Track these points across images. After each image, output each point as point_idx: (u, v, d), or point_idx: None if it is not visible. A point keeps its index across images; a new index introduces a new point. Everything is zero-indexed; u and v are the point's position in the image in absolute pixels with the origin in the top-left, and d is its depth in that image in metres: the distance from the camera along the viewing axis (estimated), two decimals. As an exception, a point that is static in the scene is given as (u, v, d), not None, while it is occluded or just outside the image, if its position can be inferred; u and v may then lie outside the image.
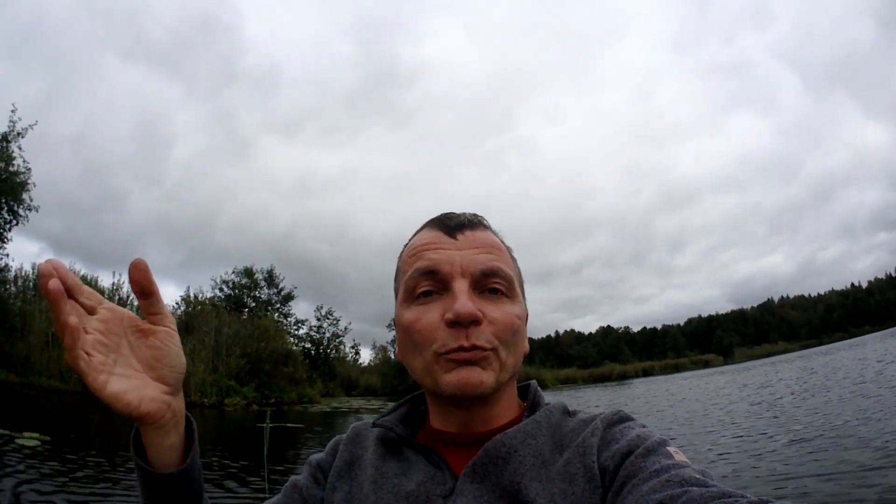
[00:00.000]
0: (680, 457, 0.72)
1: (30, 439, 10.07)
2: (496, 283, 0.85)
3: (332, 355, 45.40)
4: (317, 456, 0.99)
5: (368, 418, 1.01)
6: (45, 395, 19.09)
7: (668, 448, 0.74)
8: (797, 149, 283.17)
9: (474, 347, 0.79)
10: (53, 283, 0.64)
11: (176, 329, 0.79)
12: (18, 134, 22.06)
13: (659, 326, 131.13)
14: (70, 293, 0.68)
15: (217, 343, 27.96)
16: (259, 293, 43.81)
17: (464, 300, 0.80)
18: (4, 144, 21.78)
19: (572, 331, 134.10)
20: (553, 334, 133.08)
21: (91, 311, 0.72)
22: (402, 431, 0.91)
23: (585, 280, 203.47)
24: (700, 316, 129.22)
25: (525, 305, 0.92)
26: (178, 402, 0.79)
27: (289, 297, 45.26)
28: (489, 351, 0.81)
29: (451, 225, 0.89)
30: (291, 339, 41.70)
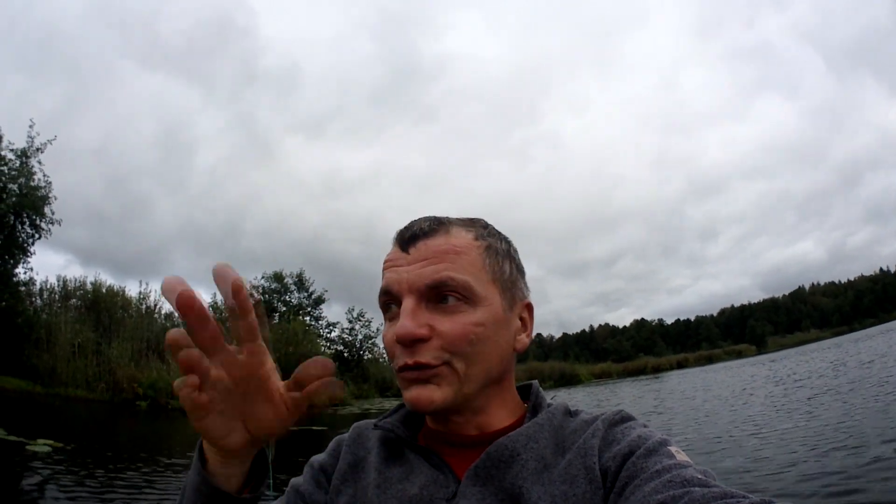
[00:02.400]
0: (682, 456, 0.71)
1: (43, 446, 9.47)
2: (448, 292, 0.81)
3: (365, 357, 43.80)
4: (318, 457, 0.95)
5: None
6: (71, 404, 18.65)
7: (670, 448, 0.72)
8: (823, 132, 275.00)
9: (417, 364, 0.78)
10: (175, 335, 0.61)
11: (291, 420, 0.70)
12: (38, 149, 21.83)
13: (692, 318, 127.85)
14: (237, 312, 0.63)
15: (245, 348, 27.04)
16: (289, 297, 43.08)
17: (404, 320, 0.79)
18: (24, 160, 21.59)
19: (607, 325, 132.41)
20: (588, 329, 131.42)
21: (240, 342, 0.66)
22: (403, 433, 0.89)
23: (618, 273, 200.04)
24: (733, 306, 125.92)
25: (504, 301, 0.86)
26: (257, 448, 0.74)
27: (320, 301, 44.35)
28: (441, 367, 0.79)
29: (405, 238, 0.86)
30: (323, 343, 41.04)
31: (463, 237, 0.86)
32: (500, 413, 0.87)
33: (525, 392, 0.94)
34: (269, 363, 0.68)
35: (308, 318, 41.91)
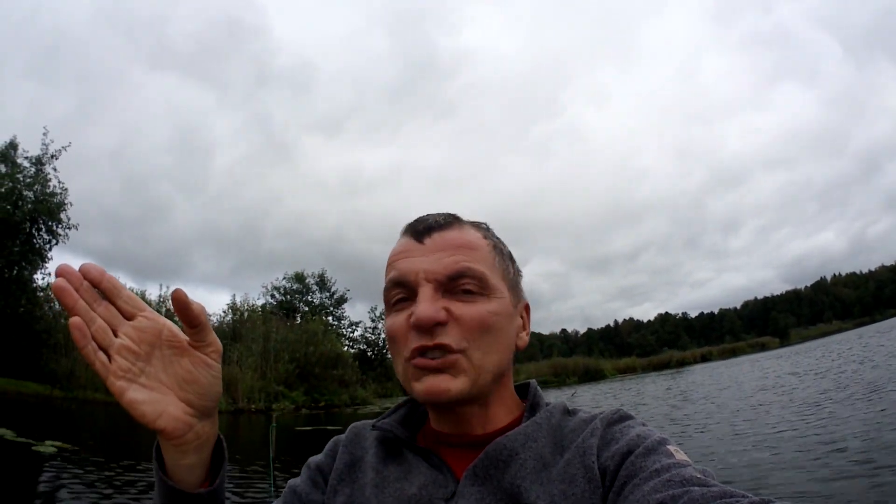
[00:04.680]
0: (680, 455, 0.69)
1: (49, 447, 9.52)
2: (465, 283, 0.79)
3: (387, 356, 43.15)
4: (316, 458, 0.94)
5: None
6: (90, 407, 18.33)
7: (669, 447, 0.71)
8: (843, 120, 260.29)
9: (437, 347, 0.76)
10: (59, 282, 0.64)
11: (219, 360, 0.74)
12: (52, 156, 21.74)
13: (716, 311, 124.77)
14: (107, 296, 0.68)
15: (265, 349, 26.74)
16: (311, 297, 42.61)
17: (424, 304, 0.76)
18: (38, 167, 21.52)
19: (631, 319, 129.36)
20: (612, 323, 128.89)
21: (130, 317, 0.69)
22: (401, 433, 0.87)
23: (642, 267, 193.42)
24: (756, 298, 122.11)
25: (512, 298, 0.85)
26: (206, 427, 0.73)
27: (342, 301, 43.83)
28: (458, 354, 0.76)
29: (419, 230, 0.85)
30: (346, 342, 40.64)
31: (474, 234, 0.85)
32: (500, 411, 0.85)
33: (523, 391, 0.91)
34: (170, 323, 0.71)
35: (330, 318, 41.31)
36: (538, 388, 0.91)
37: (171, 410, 0.69)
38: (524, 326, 0.89)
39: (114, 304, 0.68)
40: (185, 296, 0.67)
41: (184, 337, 0.70)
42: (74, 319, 0.64)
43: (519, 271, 0.91)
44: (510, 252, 0.91)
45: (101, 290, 0.67)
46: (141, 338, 0.68)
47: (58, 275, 0.65)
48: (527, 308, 0.91)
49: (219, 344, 0.73)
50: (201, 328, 0.69)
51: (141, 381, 0.68)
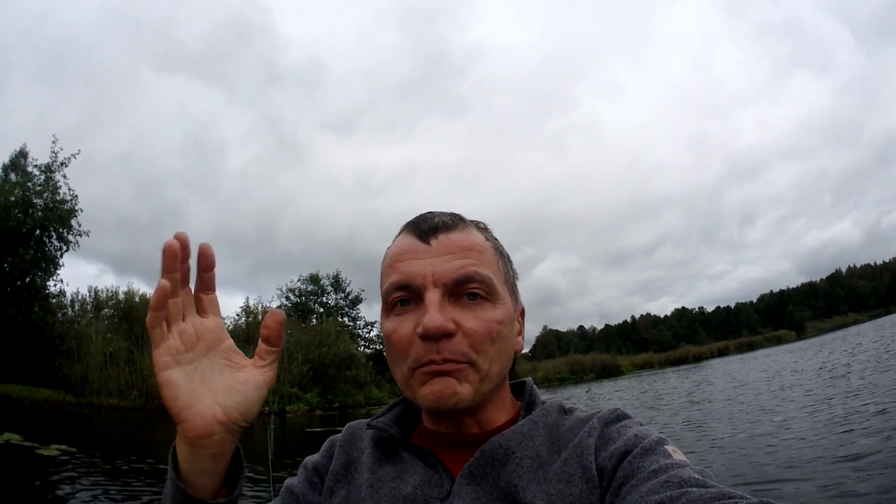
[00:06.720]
0: (678, 456, 0.68)
1: (53, 450, 9.47)
2: (473, 288, 0.77)
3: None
4: (312, 458, 0.92)
5: None
6: (103, 412, 18.22)
7: (667, 447, 0.70)
8: (857, 109, 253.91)
9: (445, 361, 0.74)
10: (171, 243, 0.64)
11: (268, 387, 0.72)
12: (62, 164, 21.58)
13: (732, 305, 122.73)
14: (202, 285, 0.69)
15: (278, 351, 26.12)
16: (326, 298, 42.33)
17: (433, 313, 0.74)
18: (48, 175, 21.41)
19: (648, 314, 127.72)
20: (629, 319, 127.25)
21: (202, 314, 0.69)
22: (396, 433, 0.85)
23: (659, 261, 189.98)
24: (772, 291, 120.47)
25: (513, 303, 0.83)
26: (227, 439, 0.69)
27: (357, 301, 43.52)
28: (464, 364, 0.75)
29: (424, 229, 0.81)
30: (361, 342, 40.28)
31: (478, 235, 0.82)
32: (497, 411, 0.83)
33: (518, 390, 0.90)
34: (232, 341, 0.71)
35: (346, 319, 40.97)
36: (534, 386, 0.89)
37: (204, 408, 0.65)
38: (520, 331, 0.86)
39: (198, 295, 0.68)
40: (285, 319, 0.69)
41: (238, 361, 0.69)
42: (164, 281, 0.62)
43: (516, 273, 0.88)
44: (508, 254, 0.88)
45: (202, 279, 0.67)
46: (201, 336, 0.67)
47: (177, 237, 0.63)
48: (522, 312, 0.88)
49: (275, 376, 0.72)
50: (276, 353, 0.70)
51: (186, 368, 0.66)
